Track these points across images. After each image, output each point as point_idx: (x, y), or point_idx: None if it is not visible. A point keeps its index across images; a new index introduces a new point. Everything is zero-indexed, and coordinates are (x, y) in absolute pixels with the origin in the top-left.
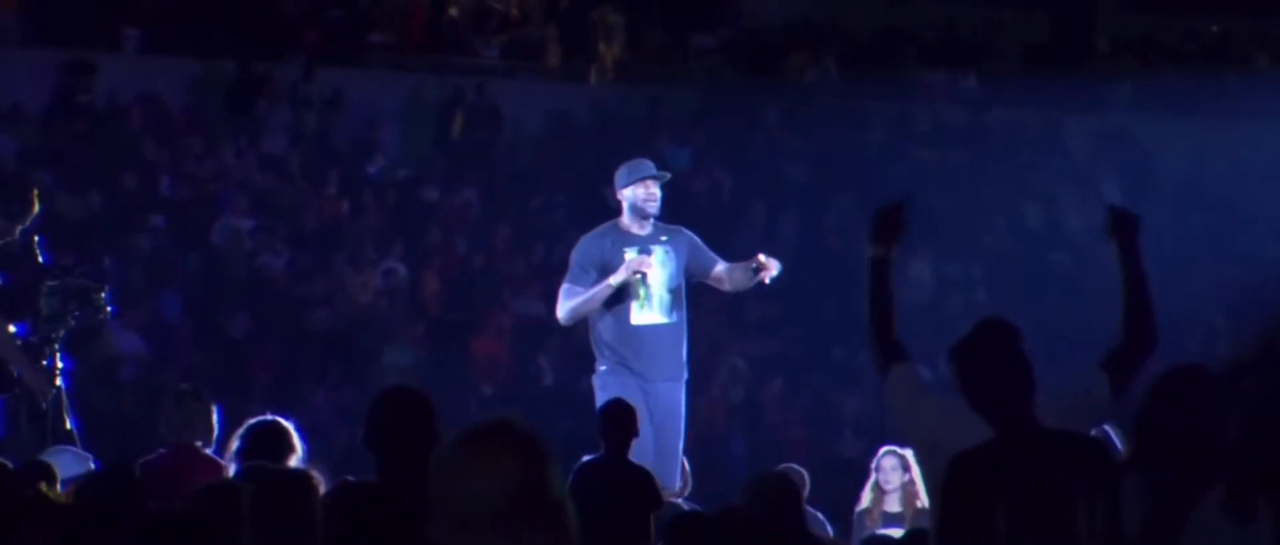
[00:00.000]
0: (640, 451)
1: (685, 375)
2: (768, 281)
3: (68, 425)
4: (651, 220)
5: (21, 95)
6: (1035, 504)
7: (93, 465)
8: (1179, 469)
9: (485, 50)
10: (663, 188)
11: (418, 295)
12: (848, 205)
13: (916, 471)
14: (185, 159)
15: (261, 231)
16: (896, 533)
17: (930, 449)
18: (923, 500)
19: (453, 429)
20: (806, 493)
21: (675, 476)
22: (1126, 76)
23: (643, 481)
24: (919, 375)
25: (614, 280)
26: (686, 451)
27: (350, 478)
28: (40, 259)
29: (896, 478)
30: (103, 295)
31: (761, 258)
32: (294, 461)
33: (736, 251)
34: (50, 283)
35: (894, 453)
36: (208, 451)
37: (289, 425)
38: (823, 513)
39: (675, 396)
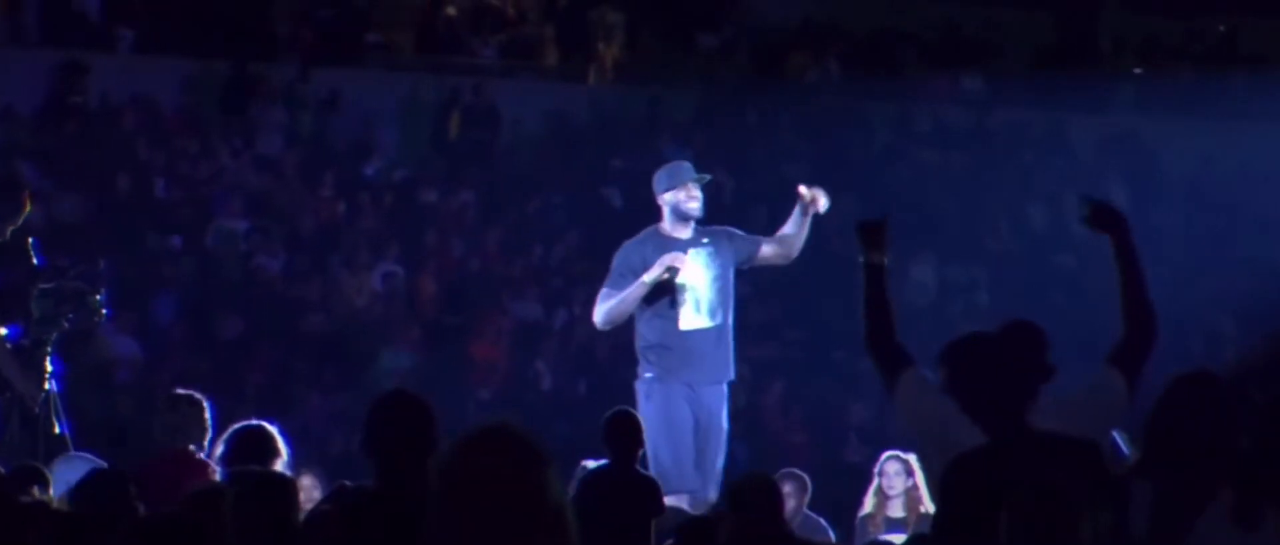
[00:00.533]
0: (682, 457)
1: (731, 376)
2: (823, 209)
3: (57, 430)
4: (693, 224)
5: (13, 96)
6: (1041, 511)
7: None
8: (1188, 476)
9: (483, 50)
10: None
11: (414, 298)
12: (850, 207)
13: (920, 476)
14: (179, 160)
15: (256, 233)
16: (899, 538)
17: (948, 453)
18: (926, 505)
19: (450, 433)
20: (809, 498)
21: (713, 486)
22: (1131, 77)
23: (648, 490)
24: (927, 378)
25: (648, 278)
26: None
27: (348, 483)
28: (34, 261)
29: (900, 483)
30: (98, 298)
31: (802, 190)
32: (279, 465)
33: None
34: (43, 285)
35: (897, 457)
36: (201, 455)
37: (273, 429)
38: (825, 517)
39: (718, 402)
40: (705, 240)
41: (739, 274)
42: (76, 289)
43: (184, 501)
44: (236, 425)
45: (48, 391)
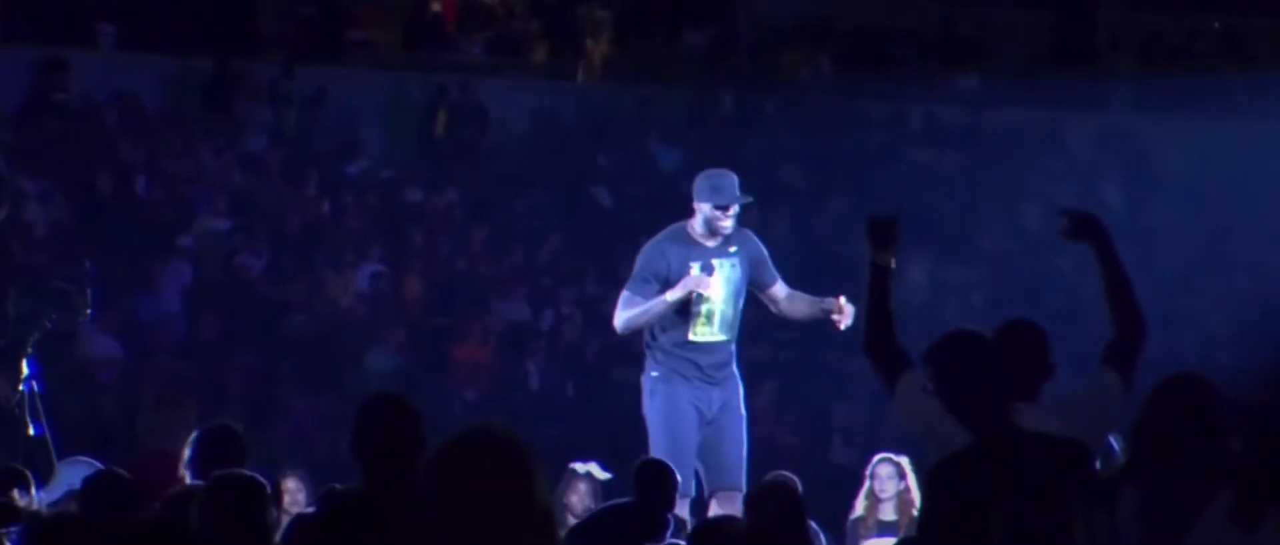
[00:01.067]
0: (682, 456)
1: (737, 375)
2: (841, 328)
3: (30, 431)
4: (721, 238)
5: None
6: (1034, 512)
7: None
8: (1177, 478)
9: (470, 47)
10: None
11: (400, 298)
12: (842, 207)
13: (912, 479)
14: (162, 158)
15: (240, 233)
16: (890, 541)
17: (943, 454)
18: (918, 508)
19: (437, 435)
20: None
21: (742, 475)
22: (1128, 76)
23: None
24: (927, 380)
25: (671, 297)
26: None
27: (337, 486)
28: (14, 260)
29: (892, 486)
30: (82, 298)
31: (842, 301)
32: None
33: None
34: (20, 285)
35: (889, 460)
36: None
37: (240, 430)
38: (815, 521)
39: (731, 395)
40: (732, 248)
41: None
42: (60, 289)
43: (163, 505)
44: (204, 427)
45: (22, 392)
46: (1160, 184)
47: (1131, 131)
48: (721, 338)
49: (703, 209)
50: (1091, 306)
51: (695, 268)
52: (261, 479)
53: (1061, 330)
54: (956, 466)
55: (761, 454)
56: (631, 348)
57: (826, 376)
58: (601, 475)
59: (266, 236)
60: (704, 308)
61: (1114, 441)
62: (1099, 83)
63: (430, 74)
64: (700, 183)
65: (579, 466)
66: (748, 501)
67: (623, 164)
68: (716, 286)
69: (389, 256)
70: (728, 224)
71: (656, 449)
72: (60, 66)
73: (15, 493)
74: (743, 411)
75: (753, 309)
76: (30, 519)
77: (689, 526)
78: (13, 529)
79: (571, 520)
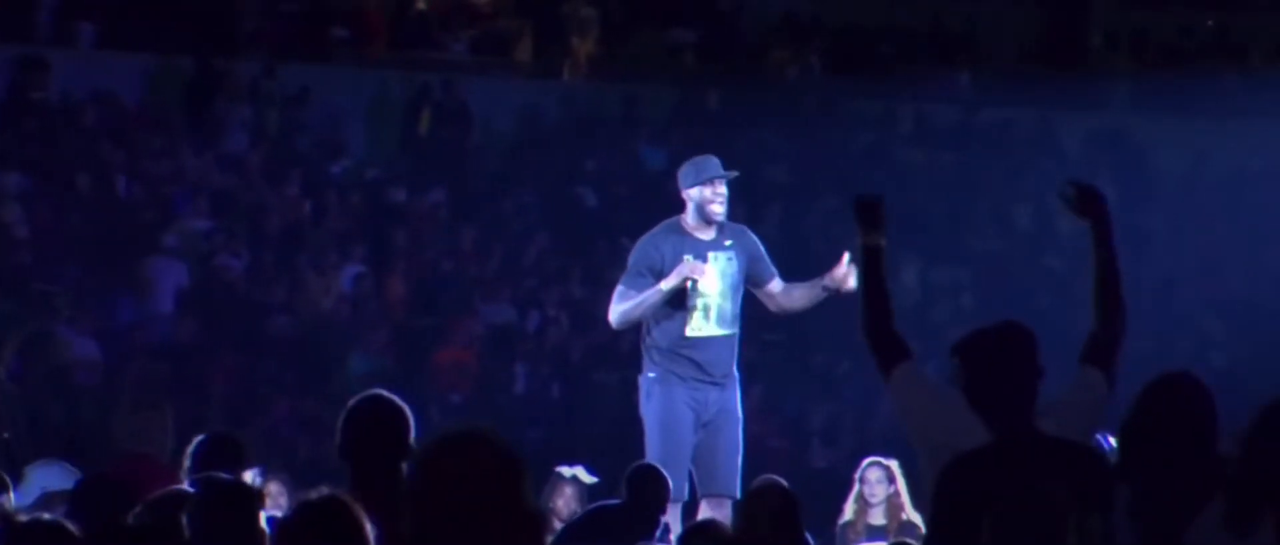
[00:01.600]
0: (675, 459)
1: (736, 376)
2: (849, 287)
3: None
4: (717, 226)
5: None
6: (1023, 514)
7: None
8: (1169, 479)
9: (454, 45)
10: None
11: (384, 300)
12: (831, 208)
13: (902, 483)
14: (142, 158)
15: (220, 233)
16: None
17: (941, 451)
18: (908, 513)
19: (420, 439)
20: None
21: (737, 479)
22: (1121, 74)
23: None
24: (924, 373)
25: (665, 286)
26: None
27: (325, 488)
28: None
29: (881, 490)
30: (62, 299)
31: (845, 261)
32: (249, 474)
33: None
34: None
35: (879, 464)
36: (163, 461)
37: (240, 438)
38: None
39: (729, 398)
40: (728, 241)
41: None
42: (40, 291)
43: (146, 508)
44: (205, 433)
45: None
46: (1154, 183)
47: (1124, 130)
48: (720, 332)
49: (691, 193)
50: (1083, 308)
51: (690, 259)
52: (255, 486)
53: (1053, 332)
54: (974, 466)
55: (749, 458)
56: (618, 349)
57: (815, 379)
58: (588, 479)
59: (248, 237)
60: (700, 301)
61: (1105, 441)
62: (1091, 81)
63: (414, 73)
64: (685, 169)
65: (565, 470)
66: (740, 505)
67: (609, 164)
68: (712, 279)
69: (372, 257)
70: (720, 205)
71: (651, 451)
72: (39, 65)
73: None
74: (739, 415)
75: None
76: (5, 523)
77: (674, 534)
78: None
79: (557, 524)
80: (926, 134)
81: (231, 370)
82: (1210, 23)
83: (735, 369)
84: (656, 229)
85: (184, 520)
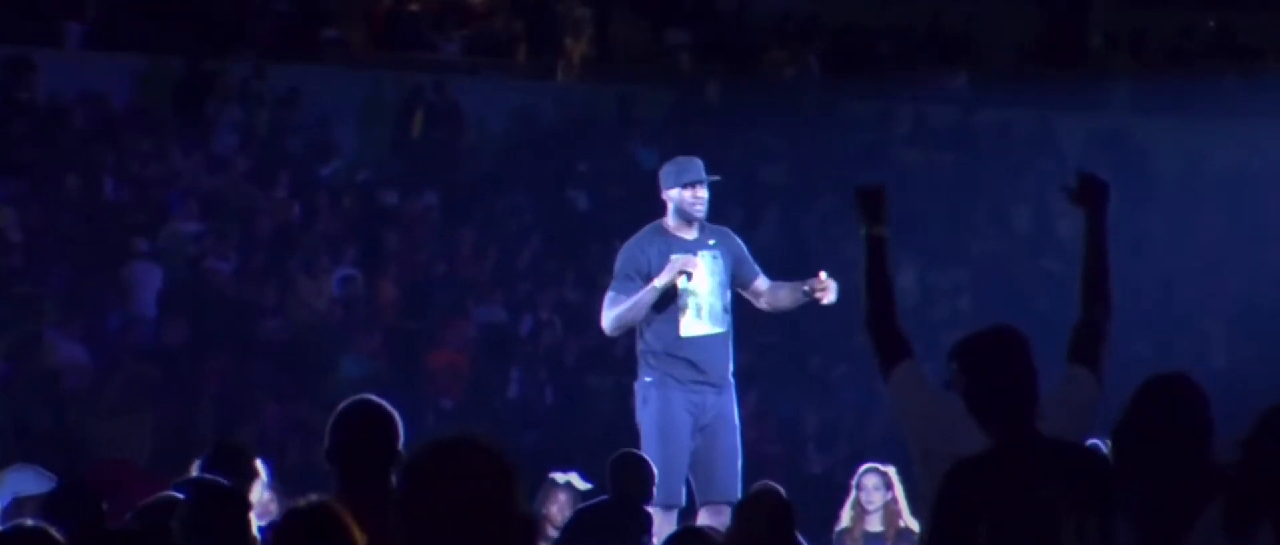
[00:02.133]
0: (674, 463)
1: (732, 383)
2: (826, 302)
3: None
4: (698, 223)
5: None
6: (1021, 518)
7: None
8: (1164, 481)
9: (446, 45)
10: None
11: (375, 303)
12: (828, 209)
13: (899, 490)
14: (131, 160)
15: (210, 236)
16: None
17: (939, 454)
18: (905, 519)
19: (412, 444)
20: None
21: (736, 485)
22: (1121, 74)
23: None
24: (925, 374)
25: (659, 282)
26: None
27: (314, 496)
28: None
29: (879, 497)
30: (48, 303)
31: (822, 276)
32: (257, 483)
33: None
34: None
35: (876, 470)
36: (141, 467)
37: (248, 448)
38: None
39: (726, 404)
40: (711, 241)
41: None
42: (25, 294)
43: (136, 515)
44: (211, 446)
45: None
46: (1153, 184)
47: (1124, 131)
48: (714, 330)
49: (672, 195)
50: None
51: (676, 258)
52: (233, 489)
53: (1052, 334)
54: (974, 471)
55: (745, 463)
56: (612, 353)
57: (811, 383)
58: (582, 485)
59: (238, 239)
60: (691, 300)
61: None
62: (1091, 81)
63: (406, 73)
64: (665, 171)
65: (559, 476)
66: (735, 511)
67: (604, 166)
68: (701, 277)
69: (364, 260)
70: (701, 204)
71: (650, 457)
72: (26, 66)
73: None
74: (737, 421)
75: (735, 313)
76: None
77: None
78: None
79: (552, 532)
80: (925, 135)
81: (222, 374)
82: (1211, 23)
83: (731, 374)
84: (640, 233)
85: (174, 525)
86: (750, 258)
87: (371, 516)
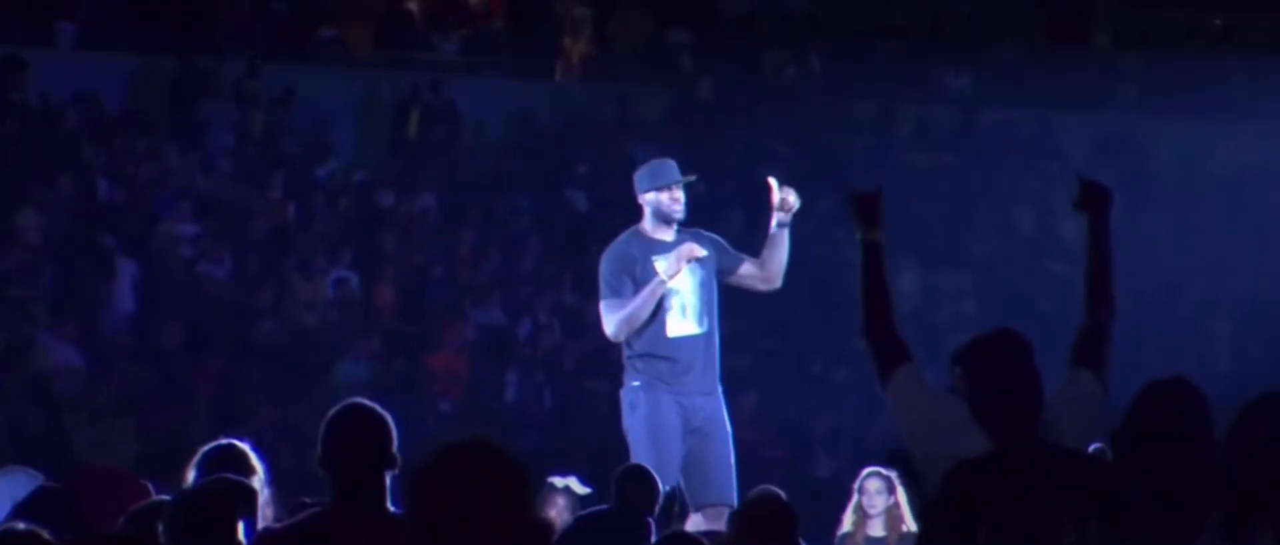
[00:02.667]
0: (667, 465)
1: (720, 388)
2: (794, 207)
3: None
4: (676, 226)
5: None
6: (1020, 523)
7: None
8: (1163, 487)
9: (444, 45)
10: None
11: (372, 306)
12: (830, 211)
13: (901, 494)
14: (124, 161)
15: (205, 238)
16: None
17: (939, 460)
18: (908, 524)
19: (410, 448)
20: None
21: (732, 489)
22: (1127, 74)
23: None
24: (925, 378)
25: (666, 274)
26: None
27: (307, 499)
28: None
29: (881, 501)
30: (38, 306)
31: (773, 187)
32: (256, 483)
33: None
34: None
35: (878, 474)
36: (129, 471)
37: (246, 447)
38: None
39: (716, 409)
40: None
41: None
42: (19, 297)
43: (127, 519)
44: (208, 445)
45: None
46: (1158, 184)
47: (1129, 131)
48: (698, 330)
49: (649, 199)
50: None
51: (659, 262)
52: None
53: (1056, 337)
54: (973, 473)
55: (746, 467)
56: (611, 356)
57: (813, 386)
58: (581, 490)
59: (233, 241)
60: (676, 300)
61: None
62: (1096, 81)
63: (403, 73)
64: (639, 175)
65: (558, 480)
66: (735, 515)
67: (602, 167)
68: (683, 277)
69: (360, 262)
70: (678, 206)
71: (641, 461)
72: (17, 66)
73: None
74: (729, 426)
75: (734, 315)
76: None
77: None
78: None
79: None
80: (927, 135)
81: (216, 377)
82: (1217, 21)
83: (719, 377)
84: (617, 241)
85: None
86: (730, 247)
87: (366, 524)
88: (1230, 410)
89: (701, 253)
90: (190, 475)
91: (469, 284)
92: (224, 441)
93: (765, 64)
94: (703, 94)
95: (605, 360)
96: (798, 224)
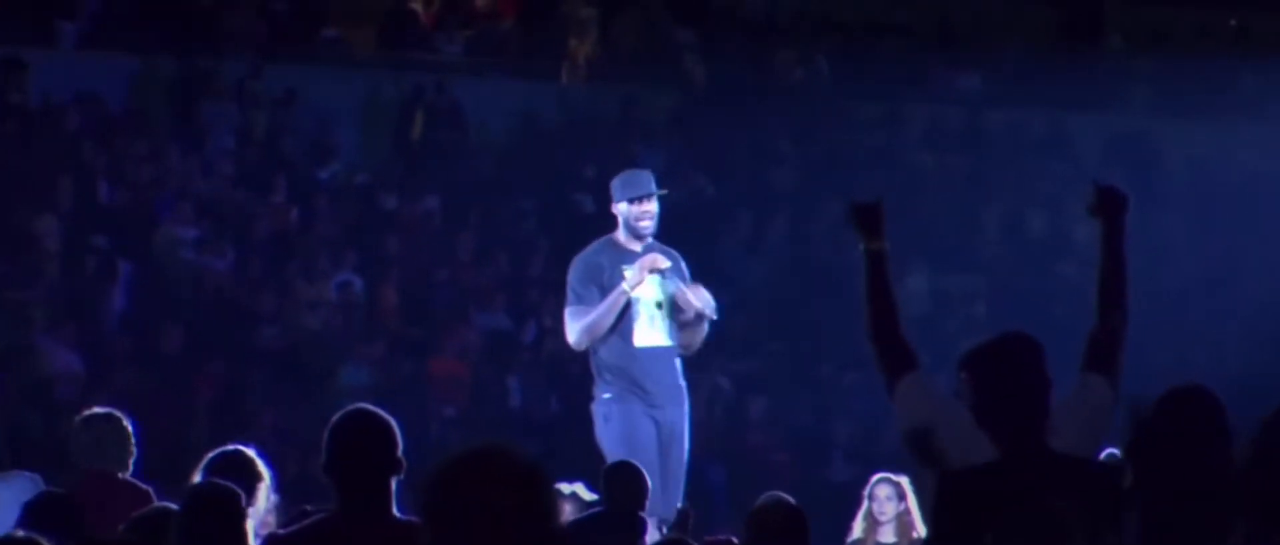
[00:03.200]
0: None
1: (687, 399)
2: (664, 267)
3: None
4: (647, 239)
5: None
6: (1027, 531)
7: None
8: (1179, 497)
9: (448, 46)
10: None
11: (375, 310)
12: (838, 213)
13: (912, 500)
14: (125, 162)
15: (206, 240)
16: None
17: (942, 465)
18: (919, 530)
19: (413, 454)
20: None
21: (678, 500)
22: (1139, 74)
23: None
24: (931, 384)
25: (628, 284)
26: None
27: (309, 507)
28: None
29: (891, 507)
30: (37, 310)
31: (629, 275)
32: (262, 490)
33: (718, 262)
34: None
35: (888, 480)
36: (125, 477)
37: (252, 453)
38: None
39: (681, 422)
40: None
41: (709, 287)
42: (14, 300)
43: (129, 525)
44: (214, 453)
45: None
46: (1171, 187)
47: (1141, 132)
48: (665, 342)
49: (621, 209)
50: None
51: (628, 271)
52: (236, 489)
53: (1068, 341)
54: (979, 480)
55: (753, 472)
56: None
57: (822, 390)
58: (587, 496)
59: (234, 243)
60: (643, 310)
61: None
62: (1108, 81)
63: (406, 74)
64: (614, 184)
65: (564, 487)
66: (747, 522)
67: (608, 169)
68: (648, 288)
69: (363, 265)
70: (648, 221)
71: None
72: (18, 67)
73: None
74: (687, 438)
75: (743, 319)
76: None
77: None
78: None
79: None
80: (936, 136)
81: (217, 381)
82: (1232, 22)
83: (683, 382)
84: (588, 248)
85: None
86: (686, 275)
87: (372, 529)
88: (1242, 414)
89: (665, 264)
90: (197, 478)
91: (473, 287)
92: (230, 447)
93: (772, 65)
94: (709, 95)
95: None
96: (807, 226)
